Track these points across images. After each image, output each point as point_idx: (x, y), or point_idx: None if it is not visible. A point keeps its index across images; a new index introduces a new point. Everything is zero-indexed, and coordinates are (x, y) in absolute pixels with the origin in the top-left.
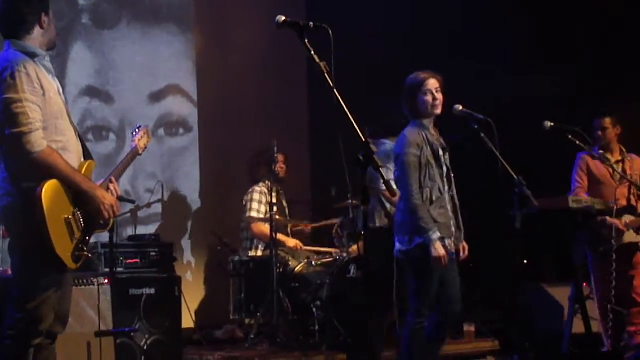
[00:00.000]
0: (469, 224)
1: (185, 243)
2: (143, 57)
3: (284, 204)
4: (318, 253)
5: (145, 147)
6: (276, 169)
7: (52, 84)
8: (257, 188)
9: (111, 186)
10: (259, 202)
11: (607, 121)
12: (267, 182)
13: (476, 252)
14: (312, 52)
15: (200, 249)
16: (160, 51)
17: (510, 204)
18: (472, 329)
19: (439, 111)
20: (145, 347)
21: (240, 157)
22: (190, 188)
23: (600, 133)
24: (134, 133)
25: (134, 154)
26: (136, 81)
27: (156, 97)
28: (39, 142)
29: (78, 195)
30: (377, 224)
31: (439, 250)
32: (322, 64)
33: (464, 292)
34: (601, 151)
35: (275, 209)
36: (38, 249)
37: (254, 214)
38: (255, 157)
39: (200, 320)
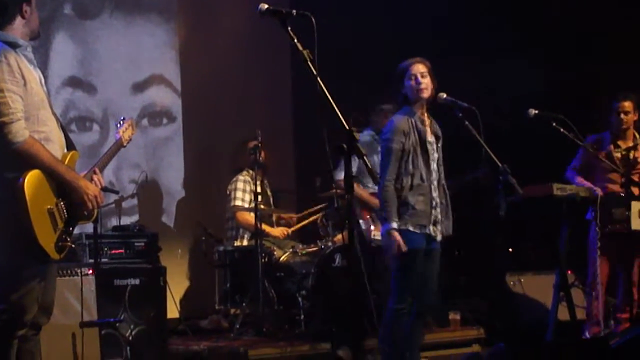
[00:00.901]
0: (453, 212)
1: (170, 233)
2: (126, 47)
3: (269, 193)
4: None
5: (130, 139)
6: (260, 158)
7: (33, 74)
8: (241, 177)
9: (95, 177)
10: (243, 191)
11: (628, 105)
12: (250, 171)
13: (462, 240)
14: (295, 40)
15: (184, 239)
16: (143, 41)
17: (495, 192)
18: (458, 317)
19: (424, 95)
20: (130, 338)
21: (224, 147)
22: (174, 178)
23: (620, 117)
24: (119, 125)
25: (119, 145)
26: (119, 71)
27: (139, 87)
28: (21, 132)
29: (61, 186)
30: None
31: (395, 238)
32: (305, 52)
33: (450, 281)
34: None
35: (260, 198)
36: (21, 240)
37: (238, 203)
38: (239, 146)
39: (185, 311)
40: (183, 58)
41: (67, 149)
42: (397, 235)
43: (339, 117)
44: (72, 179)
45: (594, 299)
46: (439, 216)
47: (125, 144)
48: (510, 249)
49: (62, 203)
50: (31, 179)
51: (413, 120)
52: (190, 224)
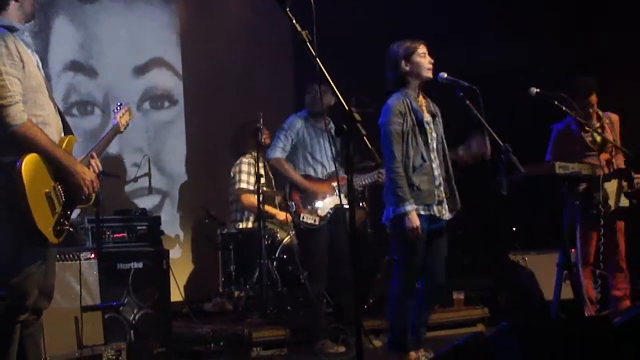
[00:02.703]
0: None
1: (173, 216)
2: (127, 30)
3: (270, 175)
4: None
5: (127, 124)
6: (262, 141)
7: (31, 57)
8: (244, 160)
9: (92, 162)
10: (247, 174)
11: (594, 99)
12: (253, 153)
13: (465, 219)
14: (294, 21)
15: (187, 222)
16: (143, 24)
17: (497, 171)
18: (462, 296)
19: (430, 74)
20: (133, 321)
21: (226, 129)
22: (177, 161)
23: (589, 110)
24: (116, 110)
25: (115, 130)
26: (120, 55)
27: (141, 70)
28: (19, 115)
29: (58, 170)
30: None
31: (413, 221)
32: (304, 33)
33: (454, 260)
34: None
35: (262, 180)
36: (19, 224)
37: (243, 185)
38: (240, 129)
39: (189, 294)
40: (184, 41)
41: (65, 134)
42: (414, 217)
43: (338, 97)
44: (69, 164)
45: (585, 278)
46: (443, 194)
47: (122, 130)
48: (514, 228)
49: (59, 187)
50: (29, 162)
51: (408, 101)
52: (193, 206)
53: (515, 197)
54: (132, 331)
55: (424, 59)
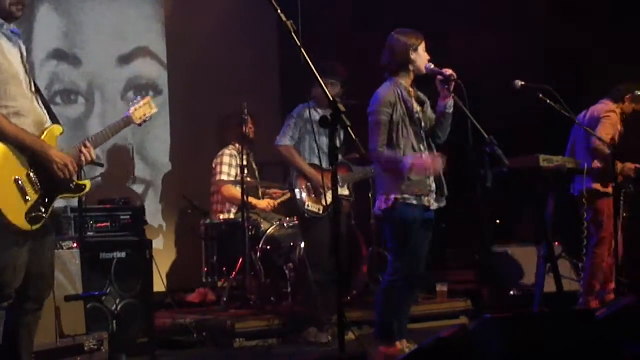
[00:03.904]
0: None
1: (156, 207)
2: (111, 19)
3: (254, 166)
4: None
5: (145, 118)
6: (247, 132)
7: (8, 50)
8: (227, 151)
9: (84, 150)
10: (229, 165)
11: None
12: (236, 144)
13: (449, 212)
14: (279, 11)
15: (171, 213)
16: (128, 13)
17: (482, 164)
18: (445, 289)
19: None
20: (116, 311)
21: (210, 120)
22: (161, 151)
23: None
24: (133, 102)
25: (126, 122)
26: (104, 44)
27: (125, 59)
28: None
29: (34, 157)
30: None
31: (421, 159)
32: (289, 23)
33: (438, 253)
34: None
35: (245, 171)
36: None
37: (224, 177)
38: (224, 120)
39: (172, 284)
40: (169, 30)
41: (53, 123)
42: (418, 157)
43: (322, 88)
44: (39, 149)
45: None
46: (433, 185)
47: (139, 123)
48: (498, 221)
49: (33, 174)
50: None
51: (399, 91)
52: (177, 197)
53: (499, 189)
54: (114, 321)
55: (425, 53)
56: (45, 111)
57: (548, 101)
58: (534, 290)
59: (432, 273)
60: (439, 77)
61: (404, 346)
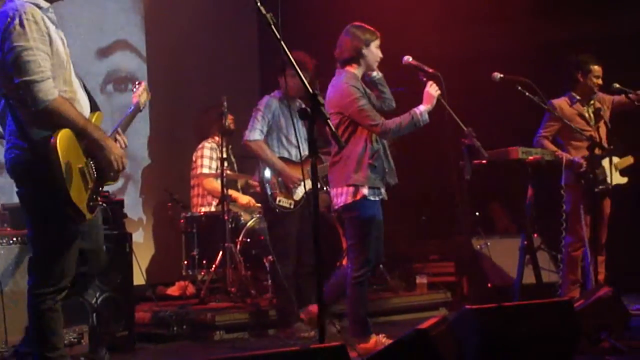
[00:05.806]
0: (419, 177)
1: (136, 200)
2: (90, 12)
3: (233, 159)
4: None
5: (146, 103)
6: (227, 124)
7: (56, 34)
8: (207, 144)
9: (119, 137)
10: (209, 158)
11: (599, 69)
12: (216, 137)
13: (428, 204)
14: (258, 4)
15: (151, 206)
16: (107, 6)
17: (461, 156)
18: (425, 281)
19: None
20: (96, 305)
21: (189, 113)
22: (140, 144)
23: (594, 80)
24: (134, 89)
25: (136, 110)
26: (83, 36)
27: (104, 52)
28: (50, 90)
29: (89, 146)
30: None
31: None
32: (268, 16)
33: (418, 245)
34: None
35: (225, 164)
36: (56, 201)
37: (205, 170)
38: (204, 113)
39: (152, 277)
40: (148, 23)
41: (92, 111)
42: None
43: (302, 80)
44: (100, 138)
45: (580, 260)
46: (388, 178)
47: (141, 109)
48: (477, 213)
49: (91, 162)
50: (63, 137)
51: (361, 84)
52: (157, 190)
53: (477, 181)
54: (94, 314)
55: (378, 51)
56: (86, 96)
57: (527, 93)
58: (513, 281)
59: (412, 265)
60: (420, 73)
61: (380, 338)
